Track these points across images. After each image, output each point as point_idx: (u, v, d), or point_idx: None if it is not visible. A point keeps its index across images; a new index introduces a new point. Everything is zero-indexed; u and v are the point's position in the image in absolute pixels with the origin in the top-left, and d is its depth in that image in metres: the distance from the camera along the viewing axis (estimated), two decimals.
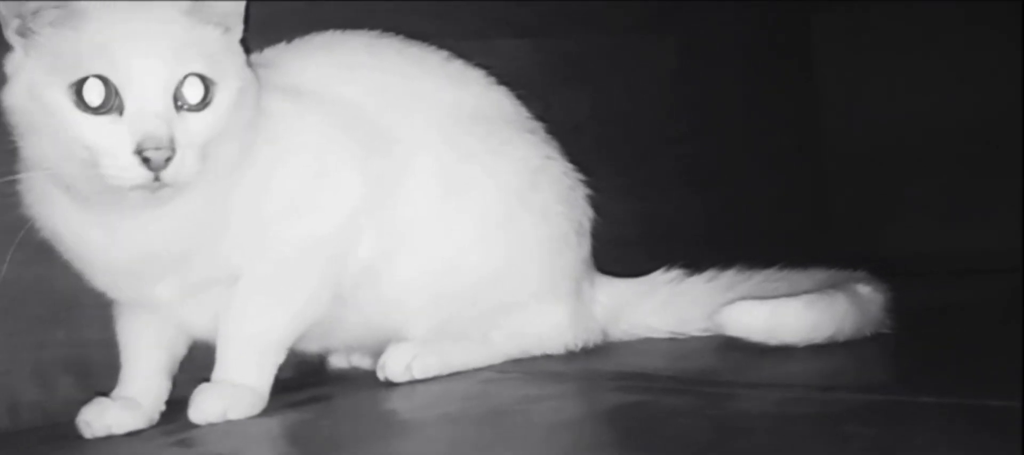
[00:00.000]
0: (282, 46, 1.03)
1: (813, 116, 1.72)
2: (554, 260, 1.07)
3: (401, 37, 1.07)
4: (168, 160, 0.81)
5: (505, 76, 1.12)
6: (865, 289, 1.05)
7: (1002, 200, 1.50)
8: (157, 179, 0.81)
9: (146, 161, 0.80)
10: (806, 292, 1.04)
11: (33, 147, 0.84)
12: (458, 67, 1.08)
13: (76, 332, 1.04)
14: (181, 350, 1.00)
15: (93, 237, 0.88)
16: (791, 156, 1.69)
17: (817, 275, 1.11)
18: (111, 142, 0.81)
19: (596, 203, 1.13)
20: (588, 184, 1.13)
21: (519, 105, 1.12)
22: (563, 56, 1.40)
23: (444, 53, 1.08)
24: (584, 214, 1.11)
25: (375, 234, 0.98)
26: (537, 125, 1.12)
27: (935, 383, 0.84)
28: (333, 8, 1.14)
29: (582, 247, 1.11)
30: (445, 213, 1.01)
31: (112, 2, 0.83)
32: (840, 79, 1.71)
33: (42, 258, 0.93)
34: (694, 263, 1.17)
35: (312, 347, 1.06)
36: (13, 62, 0.84)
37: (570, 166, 1.11)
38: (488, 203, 1.02)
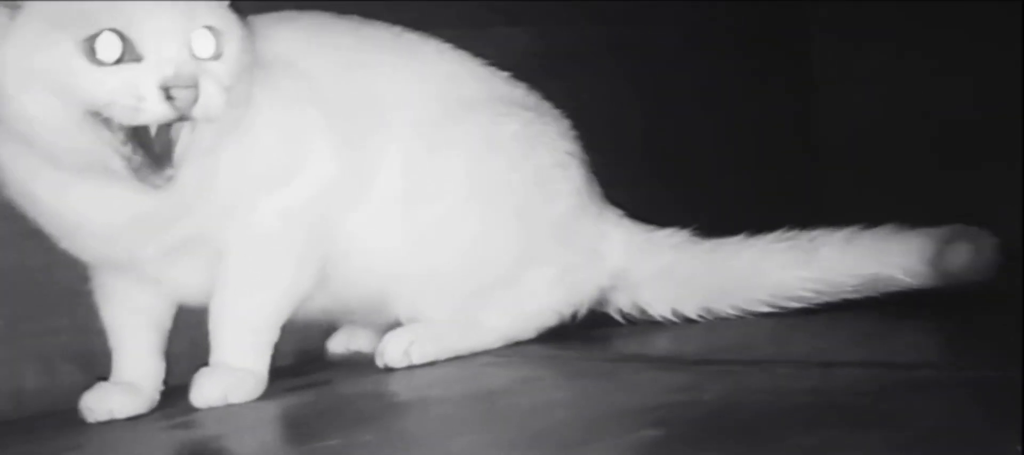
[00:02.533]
0: (251, 17, 1.03)
1: (810, 108, 1.72)
2: (524, 226, 1.05)
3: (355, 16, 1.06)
4: (194, 100, 0.81)
5: (500, 65, 1.12)
6: None
7: (1002, 193, 1.50)
8: (185, 117, 0.81)
9: (170, 100, 0.80)
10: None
11: (26, 109, 0.83)
12: (412, 38, 1.07)
13: (79, 320, 1.04)
14: (167, 324, 1.00)
15: (76, 200, 0.87)
16: (788, 148, 1.69)
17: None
18: (132, 85, 0.80)
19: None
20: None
21: (473, 64, 1.09)
22: (558, 45, 1.41)
23: (396, 28, 1.07)
24: (561, 154, 1.08)
25: (355, 205, 0.98)
26: (496, 79, 1.10)
27: (933, 357, 0.85)
28: None
29: (562, 195, 1.07)
30: (409, 192, 1.01)
31: None
32: (837, 72, 1.71)
33: (44, 247, 0.94)
34: None
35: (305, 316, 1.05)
36: None
37: (531, 113, 1.08)
38: (448, 180, 1.02)
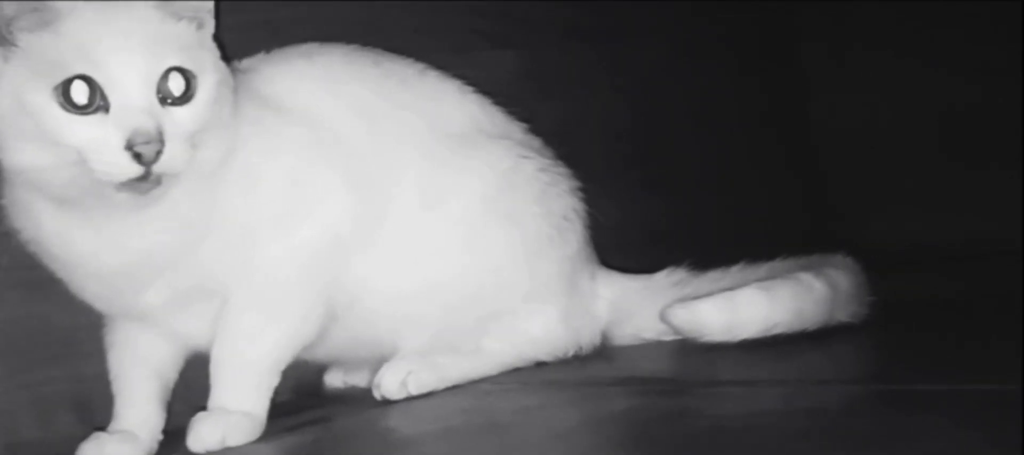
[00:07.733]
0: (260, 56, 1.03)
1: (803, 112, 1.72)
2: (535, 262, 1.06)
3: (378, 51, 1.07)
4: (158, 153, 0.82)
5: (488, 88, 1.12)
6: (834, 272, 1.06)
7: (1000, 189, 1.50)
8: (148, 173, 0.82)
9: (137, 156, 0.81)
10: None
11: (19, 155, 0.84)
12: (434, 79, 1.09)
13: (75, 368, 1.04)
14: (173, 376, 1.00)
15: (80, 243, 0.87)
16: (782, 154, 1.69)
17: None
18: (100, 140, 0.81)
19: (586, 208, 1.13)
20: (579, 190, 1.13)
21: (493, 109, 1.11)
22: (546, 66, 1.41)
23: (420, 65, 1.08)
24: (569, 208, 1.10)
25: (362, 248, 0.98)
26: (514, 126, 1.12)
27: (932, 371, 0.85)
28: (315, 24, 1.14)
29: (568, 243, 1.09)
30: (423, 227, 1.01)
31: (88, 2, 0.83)
32: (829, 74, 1.71)
33: (40, 295, 0.94)
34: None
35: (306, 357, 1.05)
36: None
37: (548, 161, 1.10)
38: (461, 214, 1.03)
